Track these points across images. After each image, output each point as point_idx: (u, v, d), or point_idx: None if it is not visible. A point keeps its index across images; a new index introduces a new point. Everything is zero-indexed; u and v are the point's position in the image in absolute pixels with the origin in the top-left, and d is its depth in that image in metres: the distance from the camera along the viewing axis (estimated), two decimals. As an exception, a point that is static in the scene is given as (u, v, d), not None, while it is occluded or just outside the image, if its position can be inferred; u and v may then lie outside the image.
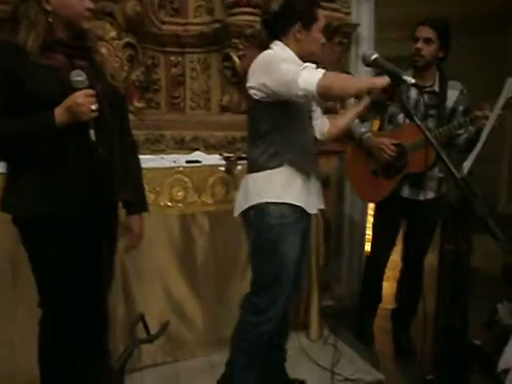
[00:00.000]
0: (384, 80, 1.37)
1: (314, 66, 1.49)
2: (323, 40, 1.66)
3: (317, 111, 1.80)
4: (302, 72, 1.44)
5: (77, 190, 1.42)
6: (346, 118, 1.79)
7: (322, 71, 1.44)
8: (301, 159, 1.64)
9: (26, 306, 1.88)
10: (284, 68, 1.48)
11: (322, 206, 1.79)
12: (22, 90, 1.33)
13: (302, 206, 1.64)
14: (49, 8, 1.36)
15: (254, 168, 1.67)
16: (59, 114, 1.33)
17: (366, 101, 1.65)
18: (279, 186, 1.62)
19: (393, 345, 2.53)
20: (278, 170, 1.62)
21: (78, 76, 1.34)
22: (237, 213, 1.73)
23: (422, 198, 2.21)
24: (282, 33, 1.64)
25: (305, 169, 1.65)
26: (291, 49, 1.64)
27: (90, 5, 1.43)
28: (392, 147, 2.17)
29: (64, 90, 1.34)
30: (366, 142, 2.23)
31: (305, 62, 1.59)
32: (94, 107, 1.34)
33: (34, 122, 1.34)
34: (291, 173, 1.63)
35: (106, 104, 1.43)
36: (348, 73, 1.75)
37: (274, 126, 1.60)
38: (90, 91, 1.35)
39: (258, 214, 1.64)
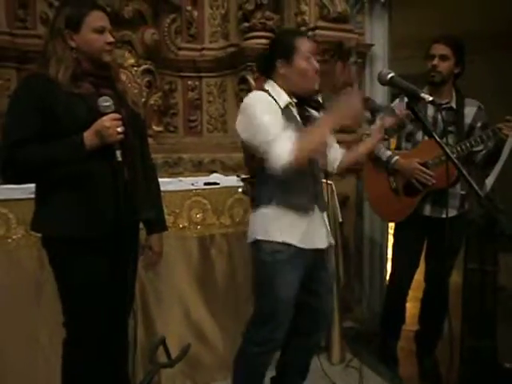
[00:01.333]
0: (347, 111, 1.42)
1: (284, 135, 1.48)
2: (316, 65, 1.61)
3: (329, 143, 1.78)
4: (272, 148, 1.45)
5: (105, 211, 1.47)
6: (357, 152, 1.78)
7: (290, 145, 1.44)
8: (291, 195, 1.61)
9: (49, 327, 1.91)
10: (258, 138, 1.50)
11: (331, 242, 1.75)
12: (55, 117, 1.41)
13: (293, 243, 1.62)
14: (73, 45, 1.47)
15: (253, 205, 1.73)
16: (88, 137, 1.41)
17: (376, 137, 1.67)
18: (268, 224, 1.63)
19: (417, 368, 2.45)
20: (267, 207, 1.64)
21: (105, 102, 1.42)
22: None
23: (444, 215, 2.16)
24: (271, 72, 1.65)
25: (296, 205, 1.63)
26: (281, 86, 1.64)
27: (111, 39, 1.51)
28: (428, 171, 2.12)
29: (92, 115, 1.42)
30: (397, 166, 2.21)
31: (300, 98, 1.63)
32: (120, 129, 1.42)
33: (65, 147, 1.42)
34: (280, 210, 1.62)
35: (129, 128, 1.50)
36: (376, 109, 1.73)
37: (261, 165, 1.58)
38: (116, 115, 1.43)
39: (255, 249, 1.68)
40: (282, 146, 1.46)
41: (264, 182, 1.63)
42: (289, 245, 1.62)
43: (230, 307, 2.26)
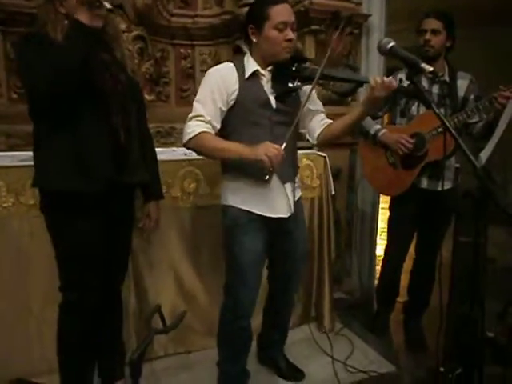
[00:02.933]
0: (256, 153, 1.47)
1: (203, 119, 1.58)
2: (290, 35, 1.57)
3: (310, 113, 1.78)
4: (189, 122, 1.60)
5: (98, 167, 1.49)
6: (341, 123, 1.73)
7: (196, 132, 1.56)
8: (245, 167, 1.60)
9: (40, 295, 1.92)
10: (193, 107, 1.63)
11: (290, 211, 1.74)
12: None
13: (252, 210, 1.67)
14: (63, 11, 1.49)
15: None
16: (78, 14, 1.40)
17: (360, 110, 1.63)
18: (228, 191, 1.72)
19: (404, 336, 2.52)
20: (227, 175, 1.73)
21: None
22: None
23: (440, 188, 2.19)
24: (247, 39, 1.66)
25: (250, 175, 1.64)
26: (254, 54, 1.65)
27: (108, 5, 1.46)
28: (410, 140, 2.16)
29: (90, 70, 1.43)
30: (382, 137, 2.22)
31: (272, 64, 1.62)
32: None
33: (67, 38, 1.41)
34: (240, 179, 1.68)
35: (128, 94, 1.56)
36: (354, 68, 1.69)
37: (223, 132, 1.67)
38: None
39: (221, 215, 1.76)
40: (191, 128, 1.58)
41: None
42: (246, 211, 1.67)
43: (222, 276, 2.27)
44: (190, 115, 1.61)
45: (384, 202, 2.85)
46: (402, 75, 2.11)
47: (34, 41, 1.44)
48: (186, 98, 3.03)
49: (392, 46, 1.36)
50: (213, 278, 2.21)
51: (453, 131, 1.20)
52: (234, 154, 1.56)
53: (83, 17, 1.42)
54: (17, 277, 1.91)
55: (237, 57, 1.73)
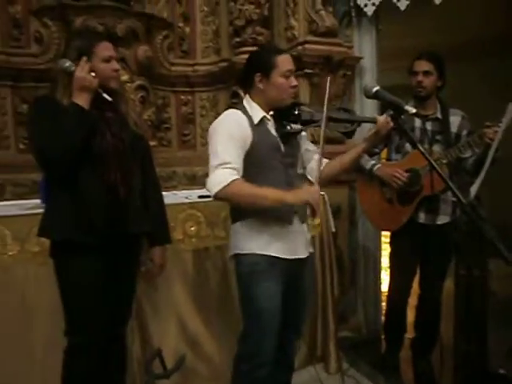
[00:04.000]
0: (298, 198, 1.49)
1: (231, 166, 1.53)
2: (293, 83, 1.66)
3: (309, 154, 1.82)
4: (216, 171, 1.53)
5: (95, 221, 1.58)
6: (340, 161, 1.78)
7: (228, 180, 1.50)
8: (268, 211, 1.61)
9: (44, 342, 1.92)
10: (210, 155, 1.59)
11: (311, 250, 1.77)
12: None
13: (274, 254, 1.65)
14: None
15: (231, 220, 1.77)
16: (77, 98, 1.52)
17: (363, 147, 1.70)
18: (244, 238, 1.67)
19: (413, 374, 2.46)
20: (244, 221, 1.68)
21: (66, 63, 1.54)
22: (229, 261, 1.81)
23: (437, 222, 2.21)
24: (249, 86, 1.70)
25: (275, 219, 1.65)
26: (257, 100, 1.68)
27: (117, 66, 1.65)
28: (404, 174, 2.20)
29: (94, 135, 1.56)
30: (378, 172, 2.26)
31: (274, 109, 1.68)
32: (93, 74, 1.53)
33: (68, 116, 1.51)
34: (259, 223, 1.65)
35: (129, 151, 1.64)
36: (347, 110, 1.75)
37: None
38: (83, 63, 1.53)
39: (234, 263, 1.73)
40: (220, 177, 1.52)
41: None
42: (267, 256, 1.65)
43: (226, 319, 2.26)
44: (215, 163, 1.55)
45: (386, 236, 2.86)
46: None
47: (44, 108, 1.56)
48: (187, 143, 3.14)
49: (376, 91, 1.42)
50: (216, 321, 2.21)
51: (437, 168, 1.24)
52: (274, 200, 1.53)
53: (102, 76, 1.59)
54: (21, 323, 1.91)
55: (235, 103, 1.77)
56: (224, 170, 1.53)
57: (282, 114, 1.70)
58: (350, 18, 2.95)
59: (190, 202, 2.23)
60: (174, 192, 2.51)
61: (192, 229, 2.22)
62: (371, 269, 3.04)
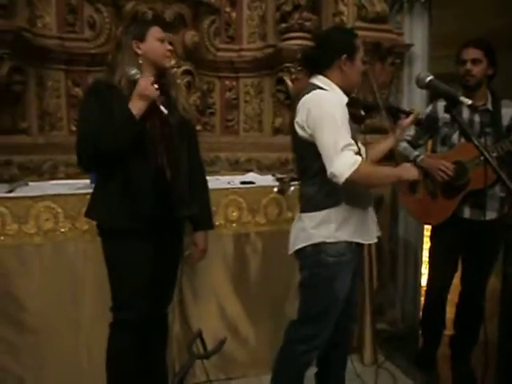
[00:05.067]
0: (412, 174, 1.50)
1: (353, 147, 1.50)
2: (363, 68, 1.67)
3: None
4: (341, 154, 1.46)
5: (144, 207, 1.63)
6: (374, 152, 1.75)
7: (357, 161, 1.46)
8: (358, 195, 1.62)
9: (91, 315, 2.03)
10: (329, 137, 1.49)
11: (379, 234, 1.77)
12: (113, 116, 1.59)
13: (359, 241, 1.66)
14: (140, 52, 1.67)
15: (309, 207, 1.66)
16: (133, 104, 1.57)
17: (391, 140, 1.70)
18: (337, 225, 1.61)
19: (452, 373, 2.41)
20: (335, 208, 1.61)
21: (132, 70, 1.60)
22: (291, 250, 1.73)
23: (483, 218, 2.13)
24: (326, 67, 1.63)
25: (362, 203, 1.65)
26: (336, 81, 1.62)
27: (170, 47, 1.73)
28: (451, 166, 2.13)
29: (144, 114, 1.59)
30: (422, 163, 2.20)
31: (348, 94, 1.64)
32: (156, 86, 1.58)
33: (119, 120, 1.57)
34: (348, 210, 1.62)
35: (176, 134, 1.68)
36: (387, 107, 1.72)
37: (317, 164, 1.57)
38: (149, 77, 1.59)
39: (315, 252, 1.64)
40: (349, 159, 1.46)
41: (326, 183, 1.57)
42: (352, 244, 1.64)
43: (264, 304, 2.30)
44: (341, 144, 1.47)
45: (428, 230, 2.79)
46: (443, 103, 2.11)
47: (99, 96, 1.62)
48: (231, 128, 3.15)
49: (430, 80, 1.38)
50: (255, 305, 2.24)
51: (493, 163, 1.20)
52: (395, 177, 1.57)
53: (155, 54, 1.66)
54: (70, 296, 2.03)
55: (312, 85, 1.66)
56: (350, 152, 1.48)
57: (353, 100, 1.66)
58: (401, 3, 2.85)
59: (232, 188, 2.25)
60: (217, 177, 2.54)
61: (233, 214, 2.25)
62: (411, 262, 2.98)
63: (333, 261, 1.62)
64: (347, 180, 1.45)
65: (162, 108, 1.59)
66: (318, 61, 1.65)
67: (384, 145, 1.78)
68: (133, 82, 1.59)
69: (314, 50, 1.70)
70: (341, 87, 1.63)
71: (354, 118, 1.60)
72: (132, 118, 1.56)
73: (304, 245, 1.66)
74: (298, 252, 1.70)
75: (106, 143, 1.56)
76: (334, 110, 1.52)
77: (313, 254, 1.64)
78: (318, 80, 1.64)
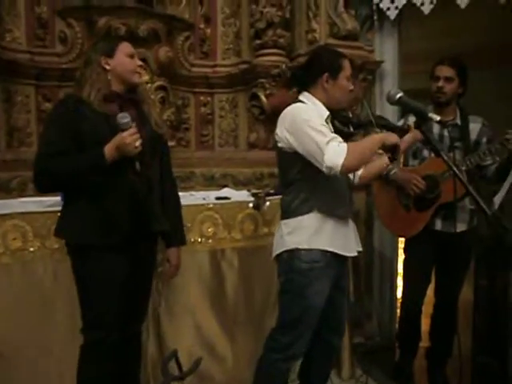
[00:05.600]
0: (394, 137, 1.51)
1: (338, 139, 1.55)
2: (351, 87, 1.72)
3: None
4: (328, 147, 1.50)
5: (119, 222, 1.60)
6: (377, 164, 1.77)
7: (344, 148, 1.49)
8: (332, 204, 1.67)
9: (61, 337, 1.94)
10: (311, 141, 1.54)
11: (359, 249, 1.79)
12: (81, 133, 1.57)
13: (334, 250, 1.68)
14: (108, 68, 1.64)
15: (286, 214, 1.74)
16: (109, 151, 1.53)
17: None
18: (310, 232, 1.66)
19: (428, 384, 2.43)
20: (307, 216, 1.67)
21: (124, 118, 1.53)
22: (273, 256, 1.78)
23: (454, 230, 2.17)
24: (310, 84, 1.72)
25: (337, 213, 1.68)
26: (318, 98, 1.71)
27: (140, 62, 1.72)
28: (421, 180, 2.17)
29: (113, 133, 1.55)
30: (394, 177, 2.24)
31: (330, 111, 1.69)
32: (138, 143, 1.53)
33: (87, 159, 1.56)
34: (322, 218, 1.66)
35: (148, 149, 1.64)
36: (383, 118, 1.77)
37: (302, 175, 1.66)
38: (134, 130, 1.54)
39: (289, 257, 1.69)
40: (336, 148, 1.50)
41: (301, 191, 1.67)
42: (327, 253, 1.66)
43: (241, 321, 2.27)
44: (325, 139, 1.52)
45: (402, 242, 2.83)
46: (413, 118, 2.16)
47: (65, 118, 1.58)
48: (206, 143, 3.15)
49: (400, 97, 1.41)
50: (232, 322, 2.21)
51: (462, 177, 1.22)
52: (379, 142, 1.56)
53: (126, 70, 1.65)
54: (39, 318, 1.95)
55: (296, 100, 1.74)
56: (335, 143, 1.52)
57: (334, 115, 1.72)
58: (371, 21, 2.93)
59: (207, 204, 2.23)
60: (192, 193, 2.52)
61: (209, 230, 2.23)
62: (387, 275, 3.01)
63: (306, 267, 1.66)
64: (344, 166, 1.49)
65: (137, 165, 1.57)
66: (303, 79, 1.75)
67: (380, 161, 1.77)
68: (119, 127, 1.53)
69: (301, 69, 1.80)
70: (324, 103, 1.71)
71: (341, 134, 1.64)
72: (102, 164, 1.53)
73: (280, 251, 1.72)
74: (276, 258, 1.76)
75: (66, 179, 1.57)
76: (309, 117, 1.60)
77: (288, 260, 1.70)
78: (304, 96, 1.74)
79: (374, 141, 1.56)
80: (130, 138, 1.52)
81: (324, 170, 1.51)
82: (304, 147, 1.57)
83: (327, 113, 1.69)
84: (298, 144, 1.59)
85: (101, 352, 1.63)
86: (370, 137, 1.58)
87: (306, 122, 1.57)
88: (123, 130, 1.52)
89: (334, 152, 1.49)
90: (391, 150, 1.54)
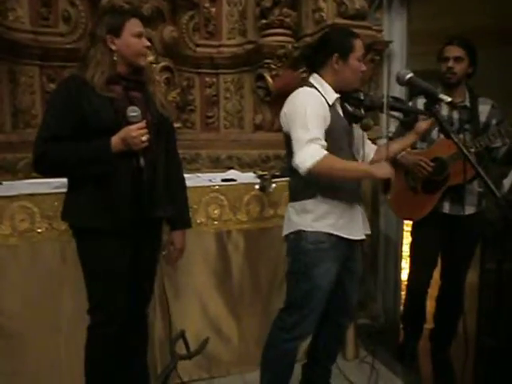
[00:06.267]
0: (384, 172, 1.52)
1: (321, 143, 1.55)
2: (363, 67, 1.69)
3: (360, 140, 1.80)
4: (307, 146, 1.52)
5: (123, 207, 1.58)
6: (388, 151, 1.77)
7: (321, 155, 1.50)
8: (336, 189, 1.66)
9: (70, 317, 1.98)
10: (297, 130, 1.57)
11: (368, 232, 1.80)
12: (84, 116, 1.53)
13: (339, 234, 1.68)
14: (114, 48, 1.59)
15: (292, 197, 1.77)
16: (115, 142, 1.52)
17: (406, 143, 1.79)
18: (313, 217, 1.68)
19: (432, 366, 2.45)
20: (311, 201, 1.69)
21: (133, 112, 1.52)
22: (283, 238, 1.82)
23: (462, 213, 2.17)
24: (320, 65, 1.70)
25: (344, 199, 1.68)
26: (328, 80, 1.69)
27: (147, 43, 1.65)
28: (429, 163, 2.15)
29: (117, 117, 1.53)
30: (402, 159, 2.22)
31: (341, 92, 1.67)
32: (144, 138, 1.52)
33: (93, 148, 1.54)
34: (326, 203, 1.67)
35: (153, 132, 1.61)
36: (398, 100, 1.74)
37: None
38: (143, 125, 1.53)
39: (296, 238, 1.72)
40: (312, 151, 1.52)
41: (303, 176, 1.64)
42: (332, 235, 1.67)
43: (247, 302, 2.29)
44: (307, 138, 1.54)
45: (408, 225, 2.82)
46: (422, 100, 2.13)
47: (69, 99, 1.55)
48: (211, 125, 3.12)
49: (410, 78, 1.38)
50: (237, 303, 2.22)
51: (471, 159, 1.21)
52: (363, 173, 1.60)
53: (131, 50, 1.59)
54: (48, 298, 1.98)
55: (305, 81, 1.74)
56: (315, 146, 1.53)
57: (345, 97, 1.70)
58: (380, 0, 2.87)
59: (213, 185, 2.23)
60: (198, 174, 2.51)
61: (215, 212, 2.23)
62: (391, 257, 3.01)
63: (312, 248, 1.68)
64: (309, 170, 1.51)
65: (142, 161, 1.56)
66: (313, 59, 1.73)
67: (406, 141, 1.86)
68: (128, 120, 1.52)
69: (311, 49, 1.78)
70: (334, 85, 1.68)
71: (352, 117, 1.62)
72: (107, 155, 1.52)
73: (287, 232, 1.75)
74: (285, 239, 1.79)
75: (69, 167, 1.56)
76: (306, 105, 1.59)
77: (294, 241, 1.73)
78: (313, 78, 1.72)
79: (358, 170, 1.60)
80: (137, 132, 1.51)
81: (293, 164, 1.55)
82: (292, 135, 1.60)
83: (335, 96, 1.67)
84: (290, 129, 1.62)
85: (107, 333, 1.65)
86: (359, 164, 1.62)
87: (302, 110, 1.58)
88: (131, 123, 1.51)
89: (306, 153, 1.52)
90: (383, 183, 1.54)
